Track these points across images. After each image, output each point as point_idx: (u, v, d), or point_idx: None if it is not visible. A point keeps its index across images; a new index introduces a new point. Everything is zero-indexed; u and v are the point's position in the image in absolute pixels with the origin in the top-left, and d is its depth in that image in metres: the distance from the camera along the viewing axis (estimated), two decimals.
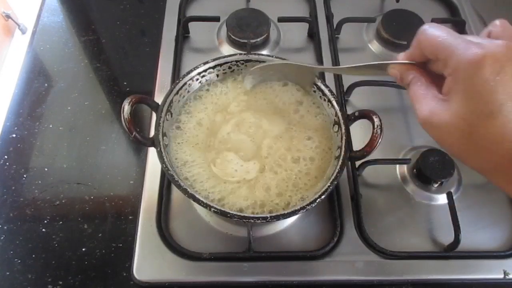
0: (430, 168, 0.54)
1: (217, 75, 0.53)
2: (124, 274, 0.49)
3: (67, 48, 0.69)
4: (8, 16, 0.75)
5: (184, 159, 0.47)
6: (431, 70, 0.35)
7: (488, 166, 0.31)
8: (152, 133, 0.46)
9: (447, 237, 0.52)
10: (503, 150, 0.29)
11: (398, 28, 0.69)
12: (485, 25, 0.72)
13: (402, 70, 0.36)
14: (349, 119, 0.47)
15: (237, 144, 0.49)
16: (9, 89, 0.64)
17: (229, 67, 0.52)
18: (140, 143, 0.44)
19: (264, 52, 0.68)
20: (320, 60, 0.66)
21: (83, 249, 0.51)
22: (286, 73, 0.52)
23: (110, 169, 0.57)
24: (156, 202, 0.53)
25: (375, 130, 0.44)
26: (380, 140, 0.44)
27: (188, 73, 0.50)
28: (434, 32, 0.32)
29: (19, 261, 0.50)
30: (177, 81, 0.49)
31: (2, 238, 0.51)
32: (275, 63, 0.51)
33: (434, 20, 0.70)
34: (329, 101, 0.49)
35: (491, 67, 0.28)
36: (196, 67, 0.50)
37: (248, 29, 0.67)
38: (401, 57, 0.37)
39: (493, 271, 0.50)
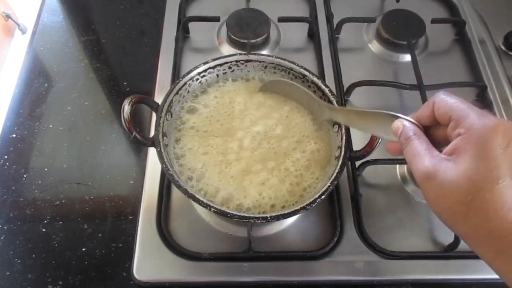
0: None
1: (217, 75, 0.52)
2: (124, 274, 0.49)
3: (67, 48, 0.69)
4: (8, 16, 0.75)
5: (184, 158, 0.47)
6: (432, 136, 0.36)
7: (482, 233, 0.30)
8: (152, 133, 0.46)
9: (447, 237, 0.52)
10: (503, 218, 0.28)
11: (398, 28, 0.69)
12: (485, 25, 0.73)
13: (406, 124, 0.36)
14: None
15: (237, 144, 0.49)
16: (9, 89, 0.64)
17: (229, 67, 0.52)
18: (140, 143, 0.44)
19: (264, 52, 0.68)
20: (320, 60, 0.66)
21: (83, 249, 0.51)
22: (299, 97, 0.51)
23: (110, 169, 0.57)
24: (156, 202, 0.53)
25: None
26: (380, 140, 0.44)
27: (188, 73, 0.50)
28: (451, 98, 0.33)
29: (19, 261, 0.50)
30: (177, 81, 0.49)
31: (2, 238, 0.51)
32: (287, 81, 0.51)
33: (434, 20, 0.70)
34: (329, 101, 0.49)
35: (504, 135, 0.29)
36: (196, 67, 0.50)
37: (248, 29, 0.67)
38: (410, 117, 0.37)
39: (493, 271, 0.50)
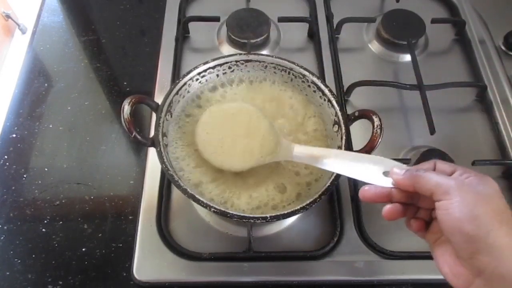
0: None
1: (217, 75, 0.52)
2: (124, 274, 0.49)
3: (67, 48, 0.69)
4: (8, 16, 0.75)
5: (184, 158, 0.47)
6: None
7: None
8: (152, 133, 0.46)
9: None
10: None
11: (398, 28, 0.69)
12: (485, 25, 0.73)
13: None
14: (349, 119, 0.47)
15: (238, 144, 0.49)
16: (9, 89, 0.64)
17: (229, 67, 0.52)
18: (140, 143, 0.44)
19: (264, 52, 0.68)
20: (320, 60, 0.66)
21: (83, 249, 0.51)
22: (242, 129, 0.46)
23: (110, 169, 0.57)
24: (156, 202, 0.53)
25: (375, 130, 0.44)
26: (380, 140, 0.44)
27: (188, 73, 0.50)
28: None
29: (19, 261, 0.50)
30: (177, 81, 0.49)
31: (2, 238, 0.51)
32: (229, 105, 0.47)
33: (434, 20, 0.70)
34: (329, 101, 0.49)
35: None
36: (196, 67, 0.50)
37: (248, 29, 0.67)
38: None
39: None
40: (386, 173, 0.37)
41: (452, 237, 0.32)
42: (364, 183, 0.38)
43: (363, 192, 0.38)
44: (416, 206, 0.37)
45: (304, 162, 0.44)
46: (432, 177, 0.33)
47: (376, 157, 0.39)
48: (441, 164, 0.36)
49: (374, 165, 0.38)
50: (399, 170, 0.36)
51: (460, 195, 0.31)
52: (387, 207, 0.37)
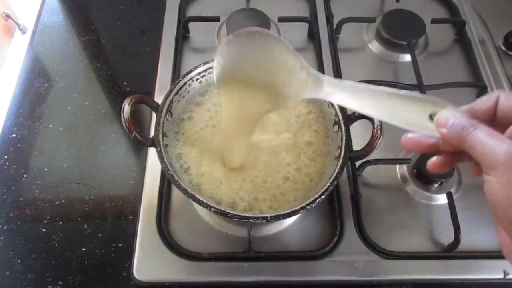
0: None
1: None
2: (124, 274, 0.49)
3: (67, 48, 0.69)
4: (8, 16, 0.75)
5: (184, 158, 0.47)
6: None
7: None
8: (152, 133, 0.46)
9: (447, 237, 0.52)
10: None
11: (398, 28, 0.69)
12: (485, 25, 0.73)
13: (458, 115, 0.29)
14: (349, 119, 0.47)
15: (237, 144, 0.49)
16: (9, 89, 0.64)
17: None
18: (140, 143, 0.44)
19: None
20: (320, 60, 0.66)
21: (83, 249, 0.51)
22: (267, 65, 0.37)
23: (110, 169, 0.57)
24: (156, 202, 0.53)
25: (375, 130, 0.44)
26: (380, 140, 0.44)
27: (188, 73, 0.50)
28: None
29: (19, 261, 0.50)
30: (177, 81, 0.49)
31: (2, 238, 0.51)
32: (255, 30, 0.35)
33: (434, 20, 0.70)
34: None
35: None
36: (196, 67, 0.50)
37: None
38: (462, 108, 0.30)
39: (493, 271, 0.50)
40: (433, 116, 0.30)
41: (498, 221, 0.27)
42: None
43: (405, 140, 0.32)
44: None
45: (333, 101, 0.38)
46: (479, 142, 0.27)
47: (423, 96, 0.31)
48: (506, 101, 0.28)
49: (418, 107, 0.31)
50: (445, 118, 0.29)
51: (508, 172, 0.25)
52: (432, 160, 0.32)
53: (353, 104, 0.35)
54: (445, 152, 0.31)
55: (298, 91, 0.37)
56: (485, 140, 0.26)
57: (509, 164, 0.25)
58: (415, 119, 0.31)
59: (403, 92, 0.32)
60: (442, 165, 0.31)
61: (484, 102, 0.29)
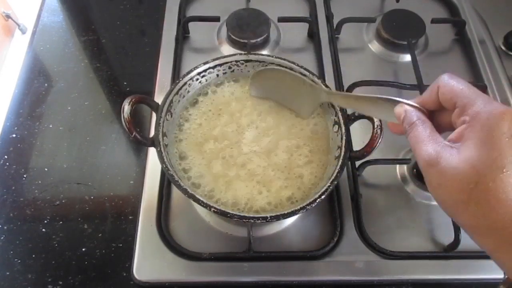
0: None
1: (217, 75, 0.52)
2: (124, 274, 0.49)
3: (67, 48, 0.69)
4: (8, 16, 0.75)
5: (184, 158, 0.47)
6: (437, 121, 0.35)
7: (484, 223, 0.29)
8: (152, 133, 0.46)
9: (447, 237, 0.52)
10: (506, 209, 0.27)
11: (398, 28, 0.69)
12: (485, 25, 0.73)
13: (409, 110, 0.34)
14: (349, 119, 0.47)
15: (238, 144, 0.49)
16: (9, 89, 0.64)
17: (229, 67, 0.52)
18: (140, 143, 0.44)
19: (264, 52, 0.68)
20: (320, 60, 0.66)
21: (83, 249, 0.51)
22: (288, 87, 0.50)
23: (110, 169, 0.57)
24: (156, 202, 0.53)
25: (375, 130, 0.44)
26: (380, 140, 0.44)
27: (188, 73, 0.50)
28: (456, 82, 0.32)
29: (19, 261, 0.50)
30: (177, 81, 0.49)
31: (2, 238, 0.51)
32: (275, 68, 0.50)
33: (434, 20, 0.70)
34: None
35: (510, 123, 0.28)
36: (196, 67, 0.50)
37: (248, 29, 0.67)
38: (413, 101, 0.35)
39: (493, 271, 0.50)
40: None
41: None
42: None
43: (391, 127, 0.38)
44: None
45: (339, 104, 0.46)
46: (412, 144, 0.33)
47: (384, 97, 0.37)
48: (444, 88, 0.33)
49: (386, 105, 0.37)
50: (398, 114, 0.35)
51: (425, 173, 0.31)
52: (394, 123, 0.37)
53: (342, 104, 0.45)
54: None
55: (309, 102, 0.49)
56: (414, 145, 0.32)
57: (426, 169, 0.31)
58: (384, 114, 0.37)
59: (372, 96, 0.39)
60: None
61: (429, 94, 0.34)
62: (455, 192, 0.29)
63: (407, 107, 0.34)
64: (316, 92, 0.47)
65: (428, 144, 0.31)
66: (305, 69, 0.50)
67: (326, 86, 0.49)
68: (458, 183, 0.29)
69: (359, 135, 0.57)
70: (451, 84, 0.32)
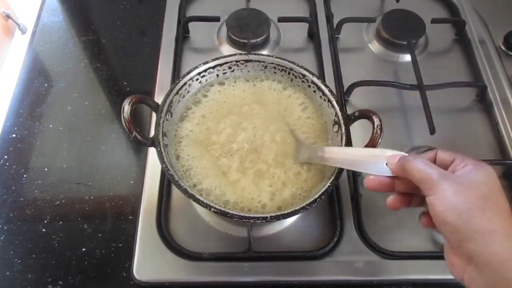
0: None
1: (217, 75, 0.52)
2: (124, 274, 0.49)
3: (67, 48, 0.69)
4: (8, 16, 0.75)
5: (184, 158, 0.47)
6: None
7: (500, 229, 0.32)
8: (152, 133, 0.46)
9: None
10: None
11: (398, 28, 0.69)
12: (485, 25, 0.73)
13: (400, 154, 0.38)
14: (349, 119, 0.47)
15: (238, 144, 0.49)
16: (9, 89, 0.64)
17: (229, 67, 0.52)
18: (140, 143, 0.44)
19: (264, 52, 0.68)
20: (320, 60, 0.66)
21: (83, 249, 0.51)
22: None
23: (110, 169, 0.57)
24: (156, 202, 0.53)
25: (375, 130, 0.44)
26: (380, 140, 0.44)
27: (188, 73, 0.50)
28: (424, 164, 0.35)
29: (19, 261, 0.50)
30: (177, 81, 0.49)
31: (2, 238, 0.51)
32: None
33: (434, 20, 0.70)
34: (329, 101, 0.49)
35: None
36: (196, 67, 0.50)
37: (248, 29, 0.67)
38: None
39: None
40: (388, 164, 0.39)
41: (441, 229, 0.33)
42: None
43: (367, 182, 0.39)
44: (421, 196, 0.38)
45: (313, 162, 0.46)
46: (417, 169, 0.34)
47: (378, 149, 0.40)
48: (442, 153, 0.37)
49: (376, 158, 0.39)
50: (394, 157, 0.37)
51: (442, 188, 0.32)
52: (390, 197, 0.39)
53: (324, 162, 0.44)
54: (400, 192, 0.39)
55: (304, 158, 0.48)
56: (422, 168, 0.34)
57: (442, 180, 0.33)
58: (375, 166, 0.39)
59: (363, 149, 0.42)
60: (398, 203, 0.39)
61: (427, 155, 0.38)
62: (474, 198, 0.32)
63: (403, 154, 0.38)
64: (314, 151, 0.46)
65: (434, 166, 0.35)
66: (305, 69, 0.51)
67: (326, 86, 0.49)
68: (475, 192, 0.32)
69: (359, 135, 0.57)
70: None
